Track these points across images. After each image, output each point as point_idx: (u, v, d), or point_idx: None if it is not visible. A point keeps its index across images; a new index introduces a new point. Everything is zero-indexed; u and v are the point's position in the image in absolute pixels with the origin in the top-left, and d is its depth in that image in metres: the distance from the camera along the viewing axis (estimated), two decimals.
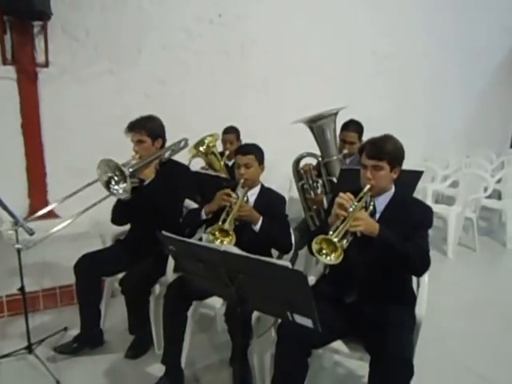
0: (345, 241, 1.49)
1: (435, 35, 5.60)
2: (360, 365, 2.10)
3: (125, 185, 2.02)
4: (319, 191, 2.78)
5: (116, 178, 2.05)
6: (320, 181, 2.76)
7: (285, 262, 1.09)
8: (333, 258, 1.46)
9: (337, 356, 2.16)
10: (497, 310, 2.93)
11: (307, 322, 1.15)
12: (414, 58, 5.50)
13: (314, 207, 2.84)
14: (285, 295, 1.16)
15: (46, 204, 3.85)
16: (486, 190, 4.09)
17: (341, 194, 1.59)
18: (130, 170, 2.06)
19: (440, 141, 5.92)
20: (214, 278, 1.28)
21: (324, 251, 1.48)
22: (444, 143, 5.94)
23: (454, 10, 5.68)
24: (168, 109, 3.05)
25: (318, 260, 2.82)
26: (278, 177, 3.70)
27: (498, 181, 4.54)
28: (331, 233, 1.48)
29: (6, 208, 1.97)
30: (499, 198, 4.71)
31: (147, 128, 2.24)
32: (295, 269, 1.07)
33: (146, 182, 2.20)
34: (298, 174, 2.85)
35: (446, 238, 3.96)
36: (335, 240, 1.44)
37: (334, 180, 2.73)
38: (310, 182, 2.78)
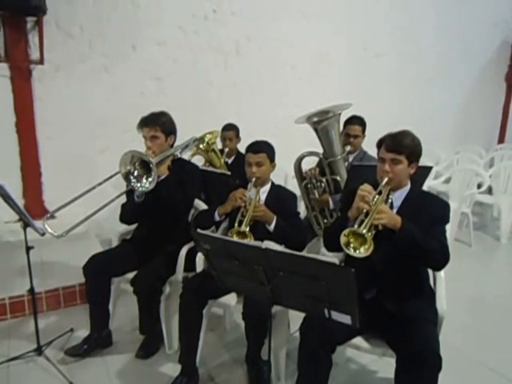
0: (369, 234, 1.48)
1: (423, 33, 5.68)
2: (373, 360, 2.14)
3: (151, 178, 2.00)
4: (323, 191, 2.79)
5: (136, 173, 2.04)
6: (324, 180, 2.77)
7: (331, 258, 1.09)
8: (362, 251, 1.46)
9: (349, 352, 2.19)
10: (495, 303, 3.01)
11: (345, 319, 1.16)
12: (403, 56, 5.57)
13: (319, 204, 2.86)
14: (327, 292, 1.16)
15: (42, 204, 3.78)
16: (479, 185, 4.17)
17: (361, 187, 1.60)
18: (158, 159, 2.06)
19: (429, 137, 5.99)
20: (249, 276, 1.27)
21: (352, 245, 1.48)
22: (433, 140, 6.03)
23: (442, 7, 5.77)
24: (163, 106, 3.03)
25: (321, 254, 2.84)
26: (273, 173, 3.71)
27: (490, 176, 4.64)
28: (356, 226, 1.48)
29: (16, 207, 1.93)
30: (490, 192, 4.82)
31: (161, 123, 2.22)
32: (343, 265, 1.07)
33: (161, 178, 2.18)
34: (301, 174, 2.85)
35: None
36: (364, 232, 1.44)
37: (339, 179, 2.74)
38: (314, 181, 2.79)
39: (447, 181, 4.66)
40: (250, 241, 1.86)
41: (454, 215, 3.99)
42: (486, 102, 6.69)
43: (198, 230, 1.33)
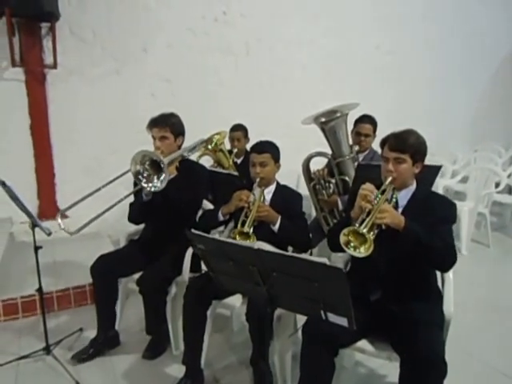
0: (371, 233, 1.44)
1: (439, 28, 5.57)
2: (382, 364, 2.08)
3: (162, 178, 2.02)
4: (331, 191, 2.75)
5: (145, 173, 2.05)
6: (333, 181, 2.73)
7: (322, 258, 1.06)
8: (362, 251, 1.42)
9: (358, 355, 2.13)
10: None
11: (342, 321, 1.12)
12: (418, 53, 5.47)
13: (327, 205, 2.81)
14: (320, 293, 1.13)
15: (55, 205, 3.84)
16: (497, 184, 4.04)
17: (363, 186, 1.56)
18: (168, 159, 2.08)
19: (446, 135, 5.87)
20: (244, 277, 1.25)
21: (352, 244, 1.44)
22: (450, 138, 5.90)
23: (456, 2, 5.65)
24: (174, 107, 3.07)
25: (333, 257, 2.79)
26: (285, 174, 3.69)
27: (509, 175, 4.50)
28: (357, 225, 1.45)
29: (24, 208, 1.96)
30: (510, 192, 4.67)
31: (171, 124, 2.25)
32: (334, 266, 1.04)
33: (169, 178, 2.18)
34: (309, 174, 2.81)
35: (459, 235, 3.91)
36: (364, 231, 1.40)
37: (347, 179, 2.70)
38: (323, 182, 2.75)
39: (464, 180, 4.53)
40: (246, 241, 1.84)
41: (470, 215, 3.88)
42: (505, 100, 6.51)
43: (192, 230, 1.32)
